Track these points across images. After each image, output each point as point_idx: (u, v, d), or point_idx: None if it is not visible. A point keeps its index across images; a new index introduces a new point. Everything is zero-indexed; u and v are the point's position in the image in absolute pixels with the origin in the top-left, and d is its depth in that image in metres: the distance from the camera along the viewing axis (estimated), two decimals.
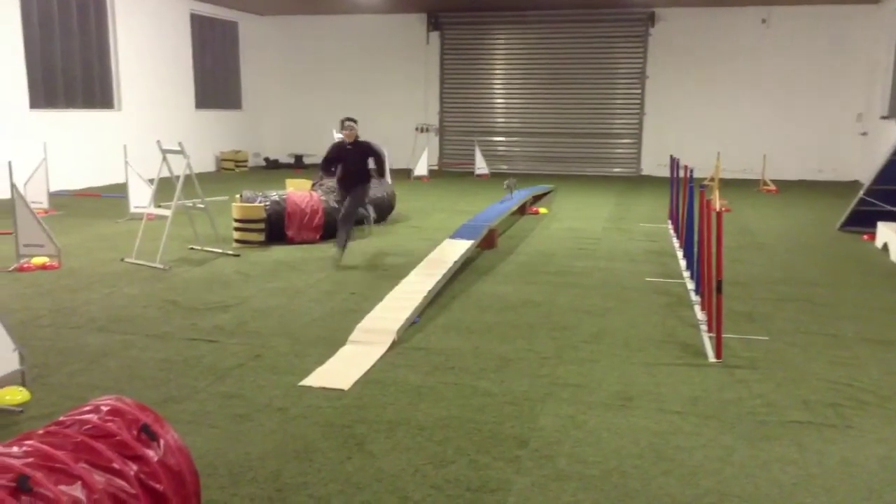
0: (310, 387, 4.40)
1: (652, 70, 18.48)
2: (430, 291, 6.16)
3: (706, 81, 18.10)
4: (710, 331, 5.40)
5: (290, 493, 3.19)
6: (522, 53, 19.34)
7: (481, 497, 3.18)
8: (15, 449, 2.28)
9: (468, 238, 7.96)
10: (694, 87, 18.21)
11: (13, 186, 7.30)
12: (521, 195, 11.59)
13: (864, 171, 16.48)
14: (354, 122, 7.96)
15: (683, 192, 8.40)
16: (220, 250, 8.21)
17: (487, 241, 8.62)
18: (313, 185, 10.52)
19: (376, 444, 3.66)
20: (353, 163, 7.89)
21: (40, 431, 2.43)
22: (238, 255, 8.12)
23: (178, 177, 7.84)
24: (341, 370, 4.66)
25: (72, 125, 14.16)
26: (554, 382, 4.50)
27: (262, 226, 8.75)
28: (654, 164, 18.70)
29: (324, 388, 4.36)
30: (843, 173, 17.49)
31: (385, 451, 3.59)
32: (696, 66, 18.09)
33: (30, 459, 2.22)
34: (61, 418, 2.54)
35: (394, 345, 5.13)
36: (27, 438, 2.38)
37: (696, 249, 6.60)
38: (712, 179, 13.34)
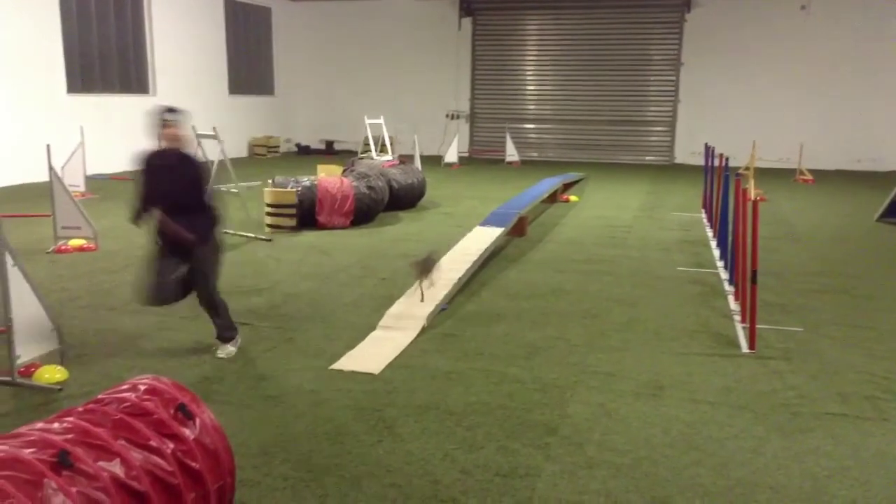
0: (340, 370, 4.43)
1: (687, 57, 18.22)
2: (459, 279, 6.16)
3: (742, 69, 17.79)
4: (743, 321, 5.33)
5: (321, 474, 3.23)
6: (555, 39, 19.18)
7: (511, 482, 3.19)
8: (56, 425, 2.34)
9: (498, 225, 7.93)
10: (730, 75, 17.90)
11: (51, 169, 7.43)
12: (554, 182, 11.52)
13: None
14: (175, 115, 4.61)
15: (718, 181, 8.29)
16: (252, 235, 8.29)
17: (517, 229, 8.59)
18: (344, 170, 10.56)
19: (406, 428, 3.68)
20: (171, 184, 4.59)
21: (80, 409, 2.49)
22: (270, 240, 8.19)
23: (212, 161, 7.91)
24: (371, 355, 4.69)
25: (108, 110, 14.35)
26: (584, 370, 4.49)
27: (293, 211, 8.81)
28: (687, 152, 18.46)
29: (354, 372, 4.40)
30: (882, 163, 17.11)
31: (414, 434, 3.62)
32: (732, 53, 17.79)
33: (70, 436, 2.27)
34: (100, 396, 2.59)
35: (423, 331, 5.15)
36: (67, 415, 2.43)
37: (730, 239, 6.52)
38: (747, 168, 13.14)
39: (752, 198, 5.57)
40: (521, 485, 3.17)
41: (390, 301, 5.65)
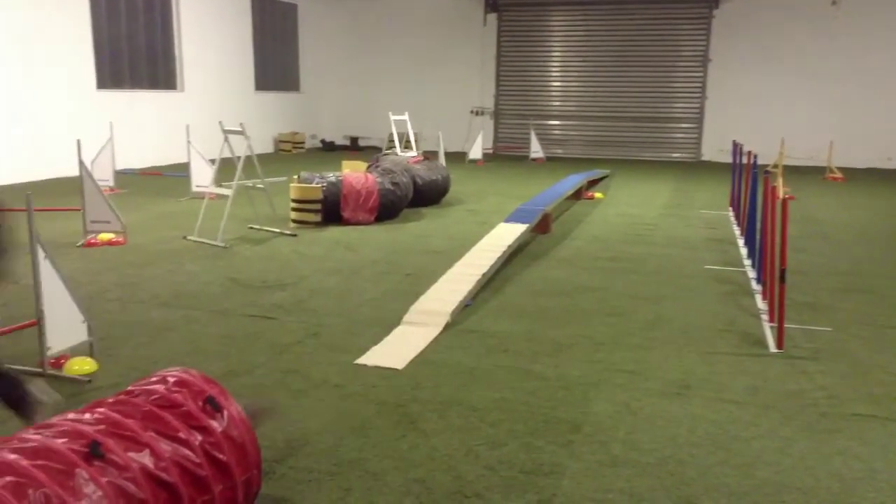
0: (365, 365, 4.45)
1: (715, 53, 18.04)
2: (483, 274, 6.16)
3: (771, 65, 17.57)
4: (771, 320, 5.27)
5: (346, 468, 3.25)
6: (580, 35, 19.08)
7: (535, 480, 3.18)
8: (87, 416, 2.38)
9: (523, 222, 7.91)
10: (758, 71, 17.69)
11: (81, 164, 7.53)
12: (579, 178, 11.47)
13: None
14: None
15: (746, 179, 8.20)
16: (278, 230, 8.35)
17: (542, 226, 8.57)
18: (369, 166, 10.59)
19: (430, 424, 3.69)
20: None
21: (110, 400, 2.53)
22: (295, 235, 8.24)
23: (238, 157, 7.98)
24: (396, 350, 4.70)
25: (137, 105, 14.53)
26: (608, 368, 4.47)
27: (318, 206, 8.86)
28: (714, 149, 18.28)
29: (378, 367, 4.41)
30: None
31: (438, 430, 3.62)
32: (760, 48, 17.57)
33: (101, 426, 2.31)
34: (130, 388, 2.63)
35: (447, 326, 5.15)
36: (98, 406, 2.47)
37: (758, 237, 6.44)
38: (776, 166, 12.98)
39: (781, 196, 5.50)
40: (545, 482, 3.17)
41: (415, 297, 5.66)
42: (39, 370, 4.21)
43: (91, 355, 4.44)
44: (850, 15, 16.82)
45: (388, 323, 5.23)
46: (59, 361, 4.31)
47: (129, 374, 4.28)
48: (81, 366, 4.30)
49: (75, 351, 4.40)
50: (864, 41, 16.87)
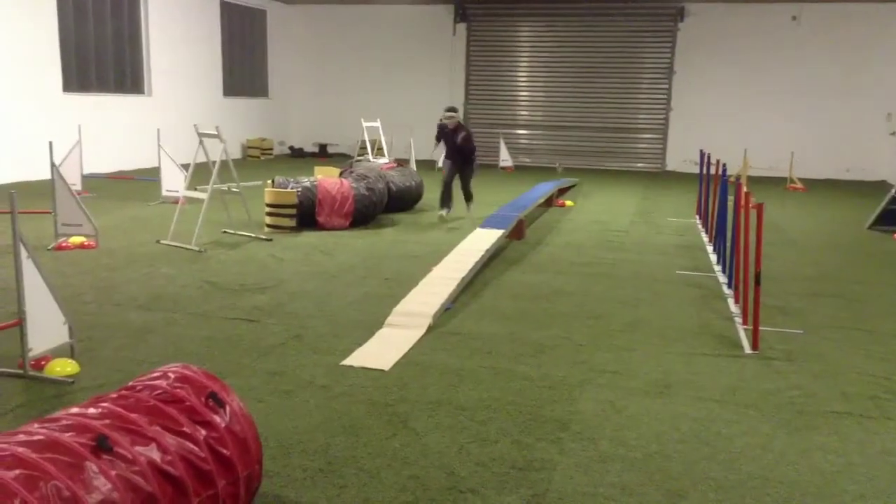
0: (351, 366, 4.47)
1: (679, 65, 18.40)
2: (463, 278, 6.21)
3: (734, 78, 18.00)
4: (745, 323, 5.42)
5: (339, 466, 3.26)
6: (549, 46, 19.31)
7: (527, 475, 3.23)
8: (91, 410, 2.37)
9: (498, 227, 8.00)
10: (722, 84, 18.10)
11: (53, 165, 7.43)
12: (549, 186, 11.60)
13: (894, 171, 16.37)
14: None
15: (715, 187, 8.39)
16: (252, 234, 8.30)
17: (516, 232, 8.66)
18: (342, 172, 10.59)
19: (420, 423, 3.72)
20: None
21: (113, 395, 2.52)
22: (271, 240, 8.21)
23: (214, 161, 7.94)
24: (381, 351, 4.73)
25: (103, 109, 14.31)
26: (591, 369, 4.54)
27: (293, 211, 8.84)
28: (679, 159, 18.63)
29: (365, 368, 4.43)
30: (871, 173, 17.35)
31: (429, 429, 3.66)
32: (724, 62, 17.99)
33: (107, 421, 2.30)
34: (131, 383, 2.62)
35: (430, 329, 5.19)
36: (101, 401, 2.46)
37: (729, 243, 6.60)
38: (739, 177, 13.27)
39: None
40: (537, 477, 3.22)
41: (395, 301, 5.68)
42: (20, 371, 4.15)
43: (72, 357, 4.39)
44: (809, 30, 17.32)
45: (370, 325, 5.25)
46: (39, 363, 4.25)
47: (111, 375, 4.24)
48: (64, 367, 4.24)
49: (56, 353, 4.34)
50: (822, 56, 17.38)
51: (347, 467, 3.26)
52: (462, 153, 9.80)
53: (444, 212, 9.93)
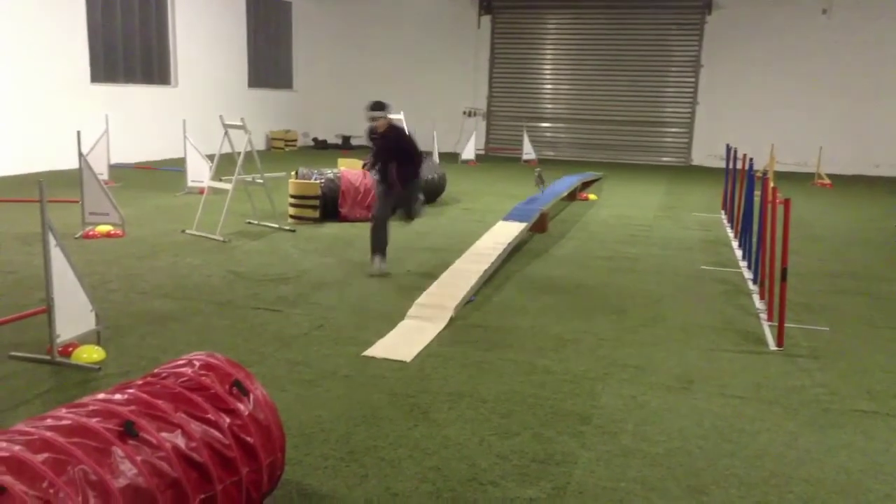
0: (373, 357, 4.49)
1: (707, 59, 18.19)
2: (485, 271, 6.21)
3: (762, 71, 17.75)
4: (769, 319, 5.36)
5: (361, 455, 3.28)
6: (574, 39, 19.19)
7: (548, 468, 3.23)
8: (118, 396, 2.40)
9: (521, 220, 7.98)
10: (749, 77, 17.87)
11: (81, 155, 7.51)
12: (559, 187, 11.53)
13: None
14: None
15: (741, 182, 8.30)
16: (276, 225, 8.35)
17: (539, 225, 8.63)
18: (364, 164, 10.59)
19: (441, 414, 3.73)
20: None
21: (139, 382, 2.55)
22: (294, 231, 8.26)
23: (238, 152, 7.99)
24: (402, 343, 4.74)
25: (130, 100, 14.46)
26: (613, 363, 4.53)
27: (316, 202, 8.88)
28: (704, 154, 18.43)
29: (386, 359, 4.45)
30: None
31: (450, 420, 3.67)
32: (752, 55, 17.75)
33: (133, 407, 2.33)
34: (156, 371, 2.65)
35: (452, 321, 5.20)
36: (126, 387, 2.49)
37: (754, 239, 6.53)
38: (765, 172, 13.12)
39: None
40: (557, 471, 3.22)
41: (417, 292, 5.69)
42: (48, 357, 4.21)
43: (98, 344, 4.45)
44: (839, 24, 17.03)
45: (392, 317, 5.26)
46: (66, 349, 4.31)
47: (137, 362, 4.29)
48: (90, 354, 4.30)
49: (83, 339, 4.40)
50: (853, 50, 17.09)
51: (369, 457, 3.28)
52: (403, 171, 6.55)
53: (378, 263, 6.48)
